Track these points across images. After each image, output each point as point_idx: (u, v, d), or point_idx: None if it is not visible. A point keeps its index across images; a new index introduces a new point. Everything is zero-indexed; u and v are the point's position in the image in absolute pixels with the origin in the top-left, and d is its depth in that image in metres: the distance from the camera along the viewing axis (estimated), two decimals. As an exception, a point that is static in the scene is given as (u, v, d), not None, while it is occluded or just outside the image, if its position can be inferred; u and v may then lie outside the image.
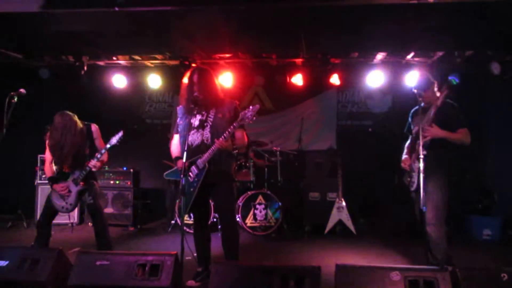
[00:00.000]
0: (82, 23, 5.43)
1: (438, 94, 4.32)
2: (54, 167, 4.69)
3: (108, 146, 4.50)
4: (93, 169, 4.51)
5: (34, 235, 4.59)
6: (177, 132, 4.20)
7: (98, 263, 3.33)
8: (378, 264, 3.20)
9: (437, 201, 4.15)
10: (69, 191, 4.54)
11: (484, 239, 6.31)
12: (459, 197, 6.66)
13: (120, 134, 4.52)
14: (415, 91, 4.31)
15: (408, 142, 4.67)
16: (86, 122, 4.73)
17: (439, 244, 4.14)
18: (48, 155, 4.70)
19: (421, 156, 3.91)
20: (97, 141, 4.73)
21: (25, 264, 3.42)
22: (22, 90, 4.61)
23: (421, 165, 3.89)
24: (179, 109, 4.21)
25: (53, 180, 4.60)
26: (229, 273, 3.19)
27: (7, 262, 3.46)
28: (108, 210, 7.11)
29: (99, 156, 4.51)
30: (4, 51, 6.89)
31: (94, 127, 4.76)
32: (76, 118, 4.62)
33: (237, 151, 6.41)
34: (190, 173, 3.92)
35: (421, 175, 3.87)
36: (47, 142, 4.68)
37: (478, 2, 4.61)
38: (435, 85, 4.38)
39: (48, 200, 4.60)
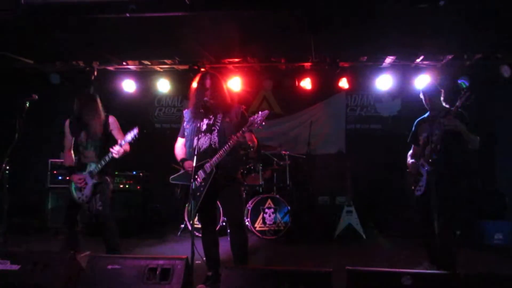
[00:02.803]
0: (93, 29, 5.48)
1: (444, 103, 4.36)
2: (74, 157, 4.74)
3: (122, 142, 4.50)
4: (115, 155, 4.45)
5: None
6: (182, 136, 4.22)
7: (109, 267, 3.35)
8: (388, 269, 3.19)
9: (449, 205, 4.13)
10: (86, 183, 4.58)
11: (495, 243, 6.25)
12: (470, 201, 6.61)
13: (135, 131, 4.47)
14: (422, 96, 4.37)
15: (411, 151, 4.70)
16: (105, 113, 4.78)
17: (451, 248, 4.12)
18: (68, 142, 4.73)
19: (431, 159, 3.90)
20: (115, 131, 4.73)
21: (37, 268, 3.44)
22: (34, 96, 4.68)
23: (432, 168, 3.88)
24: (186, 113, 4.24)
25: (71, 170, 4.67)
26: (239, 277, 3.19)
27: (19, 266, 3.48)
28: (118, 214, 7.12)
29: (122, 143, 4.49)
30: (16, 57, 6.95)
31: (112, 118, 4.79)
32: (99, 102, 4.72)
33: (251, 152, 6.43)
34: (197, 177, 3.93)
35: (433, 179, 3.86)
36: (67, 126, 4.74)
37: (487, 5, 4.59)
38: (442, 93, 4.40)
39: (69, 191, 4.67)
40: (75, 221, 4.66)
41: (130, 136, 4.48)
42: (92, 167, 4.57)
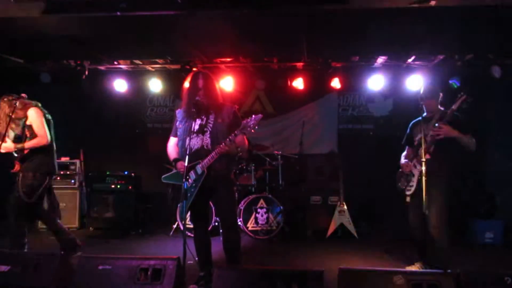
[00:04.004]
0: (84, 28, 5.45)
1: (439, 106, 4.38)
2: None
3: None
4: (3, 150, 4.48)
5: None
6: (174, 135, 4.19)
7: (100, 267, 3.33)
8: (381, 268, 3.19)
9: (440, 204, 4.16)
10: None
11: (486, 243, 6.29)
12: (461, 201, 6.66)
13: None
14: (421, 100, 4.38)
15: (405, 152, 4.72)
16: (30, 104, 4.67)
17: (443, 247, 4.14)
18: None
19: (423, 159, 3.92)
20: (34, 125, 4.63)
21: (27, 269, 3.41)
22: (23, 95, 4.63)
23: (423, 168, 3.90)
24: (178, 112, 4.21)
25: None
26: (231, 277, 3.18)
27: (8, 267, 3.45)
28: (110, 214, 7.11)
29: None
30: (6, 56, 6.89)
31: (31, 111, 4.63)
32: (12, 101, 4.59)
33: (241, 154, 6.44)
34: (188, 178, 3.90)
35: (423, 179, 3.88)
36: None
37: (478, 5, 4.61)
38: (440, 96, 4.42)
39: None
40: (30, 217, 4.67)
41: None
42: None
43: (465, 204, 6.68)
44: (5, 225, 4.61)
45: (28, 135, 4.58)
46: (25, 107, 4.59)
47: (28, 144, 4.53)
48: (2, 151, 4.47)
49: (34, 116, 4.61)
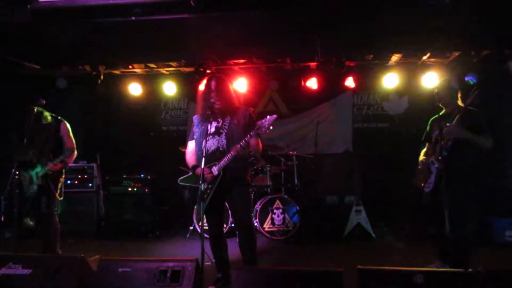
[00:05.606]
0: (99, 33, 5.50)
1: (460, 101, 4.33)
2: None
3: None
4: (49, 172, 4.61)
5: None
6: (192, 139, 4.22)
7: (120, 270, 3.36)
8: (400, 267, 3.17)
9: (460, 202, 4.11)
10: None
11: (506, 241, 6.19)
12: (481, 199, 6.56)
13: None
14: (436, 97, 4.33)
15: (425, 149, 4.68)
16: (59, 118, 4.87)
17: (463, 246, 4.09)
18: None
19: (441, 157, 3.89)
20: (64, 138, 4.82)
21: (49, 272, 3.46)
22: (41, 100, 4.71)
23: (442, 165, 3.87)
24: (195, 118, 4.24)
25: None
26: (250, 278, 3.19)
27: (30, 270, 3.50)
28: (127, 217, 7.16)
29: (57, 160, 4.66)
30: (22, 62, 6.99)
31: (64, 124, 4.85)
32: (45, 112, 4.77)
33: (252, 159, 6.46)
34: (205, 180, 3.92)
35: (443, 176, 3.85)
36: None
37: (494, 1, 4.56)
38: (458, 92, 4.37)
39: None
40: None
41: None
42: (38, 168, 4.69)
43: (484, 202, 6.59)
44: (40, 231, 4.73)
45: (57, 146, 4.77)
46: (56, 119, 4.84)
47: (68, 159, 4.77)
48: (51, 172, 4.66)
49: (66, 129, 4.83)
